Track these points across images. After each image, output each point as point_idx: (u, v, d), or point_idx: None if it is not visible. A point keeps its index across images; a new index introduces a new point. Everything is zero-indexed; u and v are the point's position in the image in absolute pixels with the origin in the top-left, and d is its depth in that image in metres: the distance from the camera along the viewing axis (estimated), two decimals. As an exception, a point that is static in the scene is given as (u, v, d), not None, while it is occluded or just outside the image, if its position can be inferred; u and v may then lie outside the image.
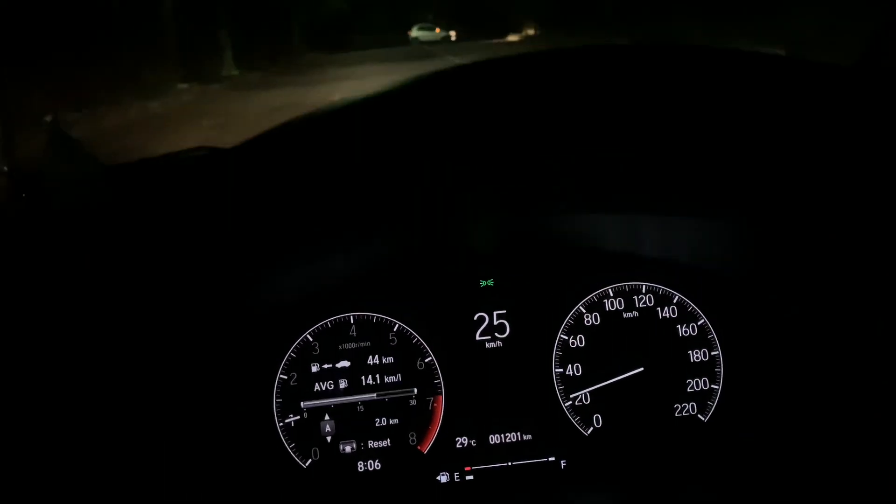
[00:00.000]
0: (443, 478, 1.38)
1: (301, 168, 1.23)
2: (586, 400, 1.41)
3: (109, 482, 1.11)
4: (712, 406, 1.41)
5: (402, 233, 1.23)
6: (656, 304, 1.44)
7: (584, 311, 1.43)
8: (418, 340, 1.42)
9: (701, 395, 1.41)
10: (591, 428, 1.40)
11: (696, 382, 1.41)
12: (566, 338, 1.43)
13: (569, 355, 1.42)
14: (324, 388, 1.40)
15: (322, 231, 1.19)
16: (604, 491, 1.31)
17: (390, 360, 1.41)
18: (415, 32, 56.24)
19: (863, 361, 1.25)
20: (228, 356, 1.35)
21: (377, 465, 1.38)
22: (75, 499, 1.08)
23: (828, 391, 1.31)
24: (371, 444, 1.39)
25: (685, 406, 1.41)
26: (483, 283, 1.44)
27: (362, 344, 1.41)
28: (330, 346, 1.41)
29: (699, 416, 1.41)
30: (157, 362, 1.18)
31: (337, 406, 1.39)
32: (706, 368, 1.42)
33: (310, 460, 1.38)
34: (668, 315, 1.43)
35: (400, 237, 1.24)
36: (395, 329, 1.42)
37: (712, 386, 1.41)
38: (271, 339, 1.40)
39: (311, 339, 1.41)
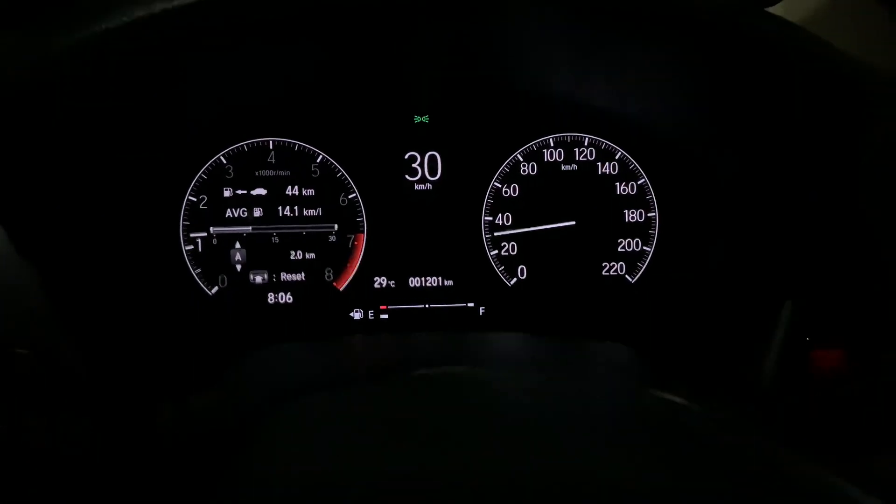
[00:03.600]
0: (357, 314, 1.33)
1: None
2: (513, 250, 1.35)
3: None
4: (641, 268, 1.37)
5: (330, 36, 1.09)
6: (597, 159, 1.36)
7: (521, 159, 1.35)
8: (343, 175, 1.33)
9: (631, 256, 1.37)
10: (515, 279, 1.36)
11: (629, 243, 1.37)
12: (499, 185, 1.35)
13: (500, 203, 1.35)
14: (236, 215, 1.30)
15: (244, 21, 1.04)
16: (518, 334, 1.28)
17: (311, 192, 1.32)
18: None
19: (793, 238, 1.21)
20: (139, 172, 1.24)
21: (289, 299, 1.32)
22: None
23: (755, 269, 1.27)
24: (284, 276, 1.32)
25: (614, 265, 1.37)
26: (417, 119, 1.34)
27: (281, 172, 1.31)
28: (246, 171, 1.30)
29: (627, 276, 1.37)
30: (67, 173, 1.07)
31: (249, 235, 1.31)
32: (640, 229, 1.37)
33: (216, 288, 1.30)
34: (607, 171, 1.36)
35: (327, 41, 1.10)
36: (318, 160, 1.32)
37: (644, 248, 1.37)
38: (182, 159, 1.29)
39: (224, 162, 1.30)
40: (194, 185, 1.29)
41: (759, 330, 1.23)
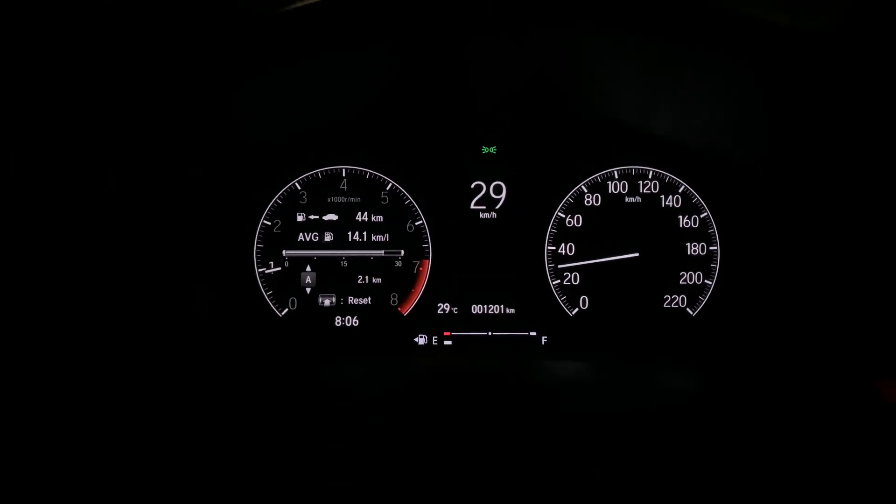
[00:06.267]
0: (421, 340, 1.36)
1: None
2: (575, 280, 1.37)
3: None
4: (703, 301, 1.38)
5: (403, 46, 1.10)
6: (661, 192, 1.38)
7: (585, 190, 1.37)
8: (411, 202, 1.36)
9: (693, 289, 1.38)
10: (577, 309, 1.37)
11: (691, 276, 1.38)
12: (563, 216, 1.37)
13: (563, 233, 1.37)
14: (308, 239, 1.35)
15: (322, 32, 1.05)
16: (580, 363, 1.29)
17: (379, 218, 1.36)
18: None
19: (858, 271, 1.20)
20: (214, 197, 1.29)
21: (355, 322, 1.35)
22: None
23: (818, 302, 1.26)
24: (351, 300, 1.35)
25: (675, 298, 1.38)
26: (485, 150, 1.37)
27: (352, 199, 1.36)
28: (318, 197, 1.35)
29: (688, 309, 1.38)
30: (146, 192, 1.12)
31: (320, 258, 1.35)
32: (702, 262, 1.38)
33: (286, 310, 1.35)
34: (671, 204, 1.37)
35: (400, 52, 1.11)
36: (387, 188, 1.36)
37: (706, 281, 1.38)
38: (258, 184, 1.34)
39: (299, 188, 1.35)
40: (269, 209, 1.34)
41: (821, 364, 1.22)
